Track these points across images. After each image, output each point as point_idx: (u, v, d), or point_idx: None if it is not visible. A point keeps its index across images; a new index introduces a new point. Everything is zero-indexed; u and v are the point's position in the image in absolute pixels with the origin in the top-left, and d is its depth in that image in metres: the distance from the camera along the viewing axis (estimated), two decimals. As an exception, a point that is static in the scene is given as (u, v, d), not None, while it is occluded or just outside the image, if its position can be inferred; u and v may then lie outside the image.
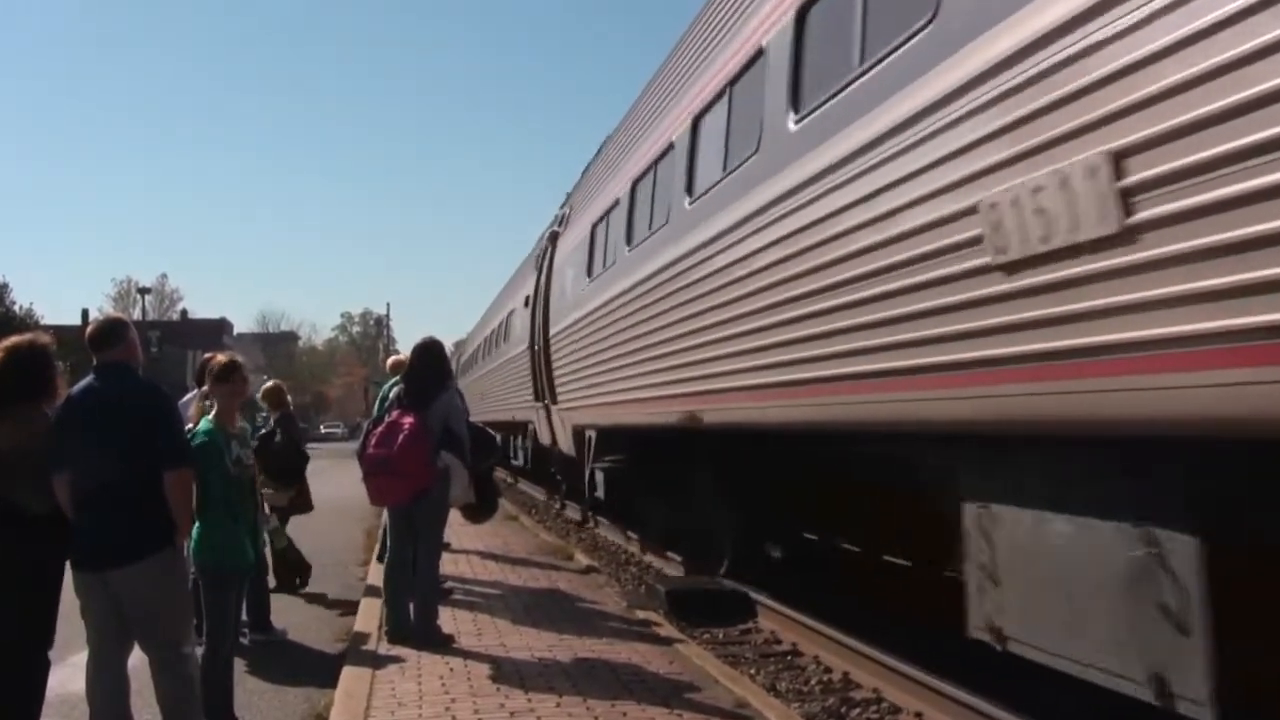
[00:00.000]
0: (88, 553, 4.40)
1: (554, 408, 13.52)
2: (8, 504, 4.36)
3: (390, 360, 10.19)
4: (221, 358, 5.59)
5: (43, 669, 4.54)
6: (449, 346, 28.64)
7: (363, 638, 6.81)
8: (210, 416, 5.23)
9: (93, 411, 4.41)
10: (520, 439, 19.60)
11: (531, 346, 15.18)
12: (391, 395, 7.29)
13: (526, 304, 16.34)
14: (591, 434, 11.41)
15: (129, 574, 4.34)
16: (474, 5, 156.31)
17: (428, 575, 6.85)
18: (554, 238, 14.58)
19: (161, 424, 4.45)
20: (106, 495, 4.33)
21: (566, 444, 13.12)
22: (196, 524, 4.94)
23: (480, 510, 7.45)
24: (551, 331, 13.30)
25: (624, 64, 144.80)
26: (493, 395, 22.47)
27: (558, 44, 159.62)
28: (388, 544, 7.78)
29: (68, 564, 4.53)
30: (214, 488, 5.00)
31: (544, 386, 14.07)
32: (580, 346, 11.37)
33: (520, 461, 20.47)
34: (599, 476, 11.14)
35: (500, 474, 24.23)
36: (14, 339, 4.67)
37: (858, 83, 4.89)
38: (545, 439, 15.07)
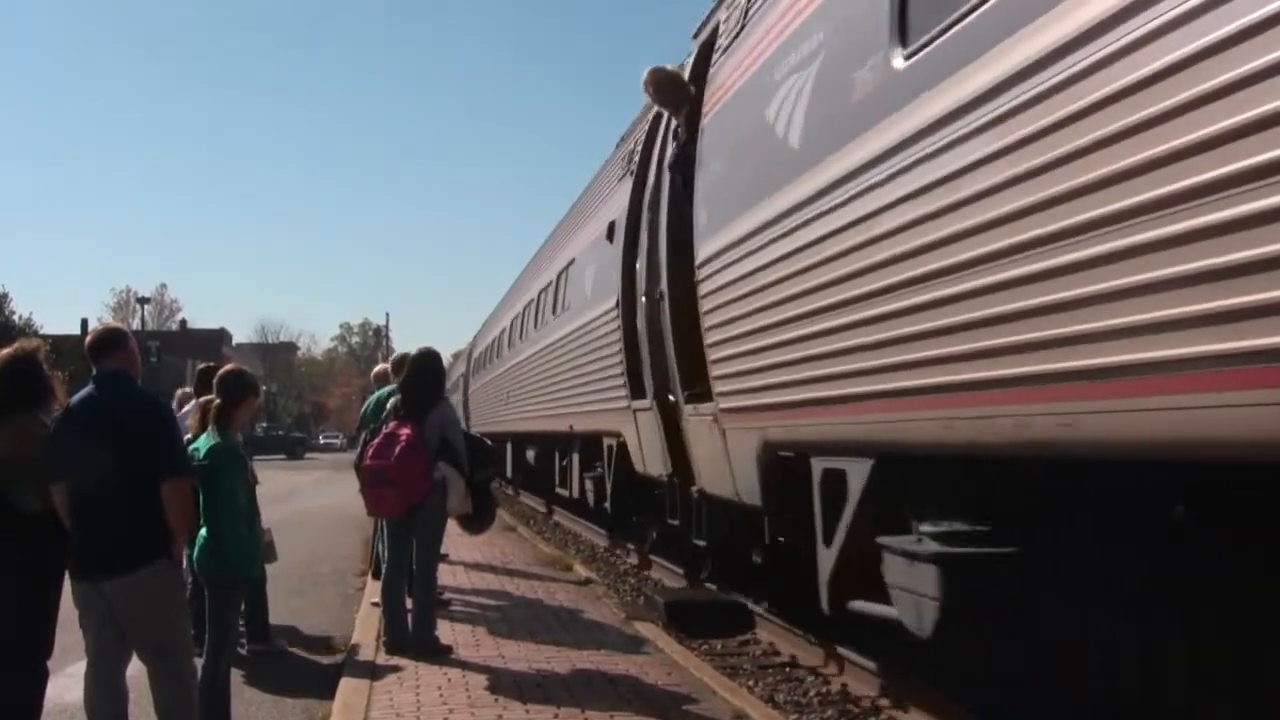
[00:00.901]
0: (84, 562, 4.40)
1: (692, 410, 7.06)
2: (6, 504, 4.37)
3: (375, 370, 10.08)
4: (242, 369, 5.59)
5: (41, 675, 4.54)
6: (447, 358, 27.27)
7: (360, 648, 6.80)
8: (218, 428, 5.22)
9: (90, 420, 4.42)
10: (577, 462, 12.18)
11: (625, 304, 8.76)
12: (389, 405, 7.29)
13: (610, 236, 9.49)
14: (855, 468, 4.77)
15: (125, 584, 4.34)
16: (474, 18, 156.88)
17: (424, 585, 6.84)
18: (673, 97, 7.49)
19: (160, 434, 4.46)
20: (103, 504, 4.33)
21: (731, 481, 6.46)
22: (204, 531, 4.94)
23: (477, 521, 7.44)
24: (701, 257, 6.53)
25: (626, 74, 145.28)
26: (525, 396, 15.49)
27: (559, 55, 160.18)
28: (380, 556, 7.77)
29: (66, 572, 4.54)
30: (238, 497, 5.00)
31: (656, 371, 7.83)
32: (866, 252, 4.37)
33: (576, 494, 12.75)
34: (928, 575, 4.05)
35: (532, 503, 20.49)
36: (6, 349, 4.68)
37: None
38: (653, 467, 8.35)
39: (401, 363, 9.49)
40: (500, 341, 20.45)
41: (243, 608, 7.29)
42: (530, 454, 16.96)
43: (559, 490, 14.36)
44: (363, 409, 9.28)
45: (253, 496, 5.36)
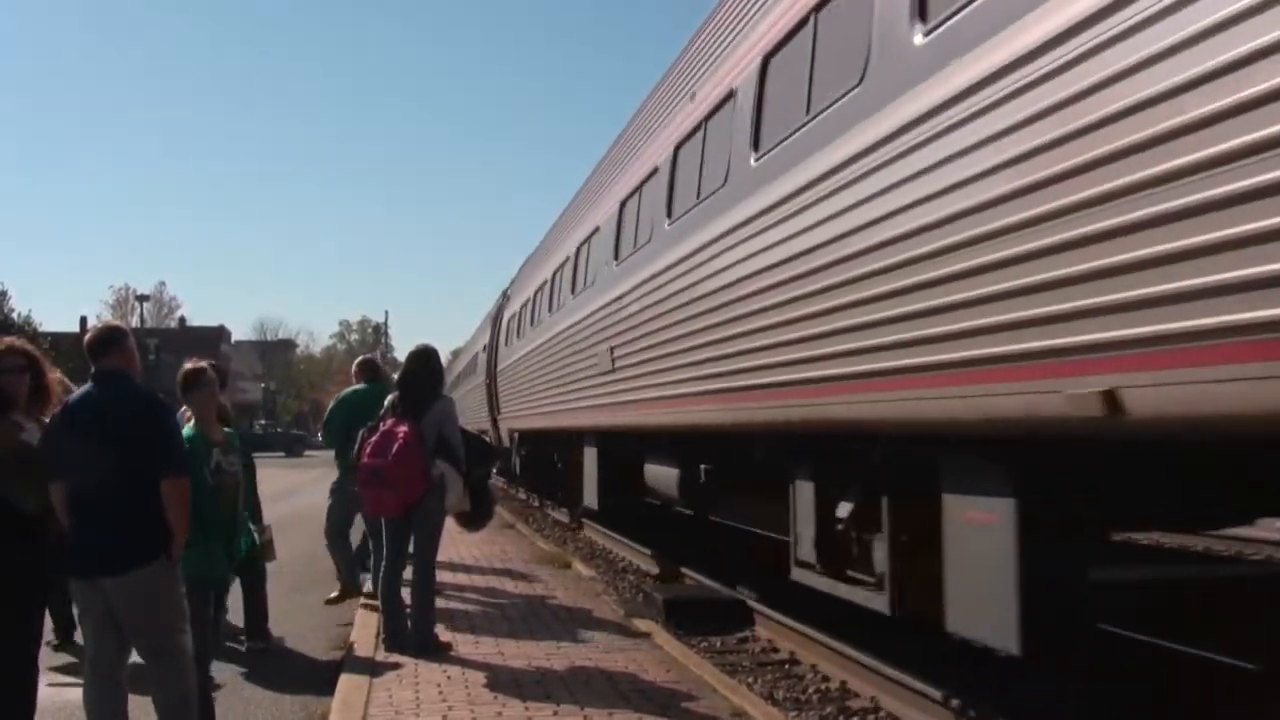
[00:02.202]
0: (83, 560, 4.40)
1: None
2: (5, 504, 4.38)
3: (356, 363, 10.08)
4: (190, 365, 5.60)
5: (35, 671, 4.55)
6: (445, 356, 26.04)
7: (359, 646, 6.81)
8: (190, 424, 5.23)
9: (89, 419, 4.42)
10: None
11: None
12: (387, 403, 7.29)
13: None
14: None
15: (124, 582, 4.34)
16: (473, 11, 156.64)
17: (423, 583, 6.84)
18: None
19: (159, 433, 4.46)
20: (102, 503, 4.33)
21: None
22: None
23: (475, 518, 7.44)
24: None
25: (624, 71, 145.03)
26: (675, 347, 7.47)
27: (557, 51, 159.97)
28: (377, 552, 7.75)
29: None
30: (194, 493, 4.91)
31: None
32: None
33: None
34: None
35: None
36: None
37: None
38: None
39: (366, 366, 9.63)
40: (586, 261, 11.36)
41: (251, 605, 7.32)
42: (670, 473, 8.47)
43: (802, 566, 6.03)
44: (330, 409, 9.34)
45: (211, 495, 5.18)
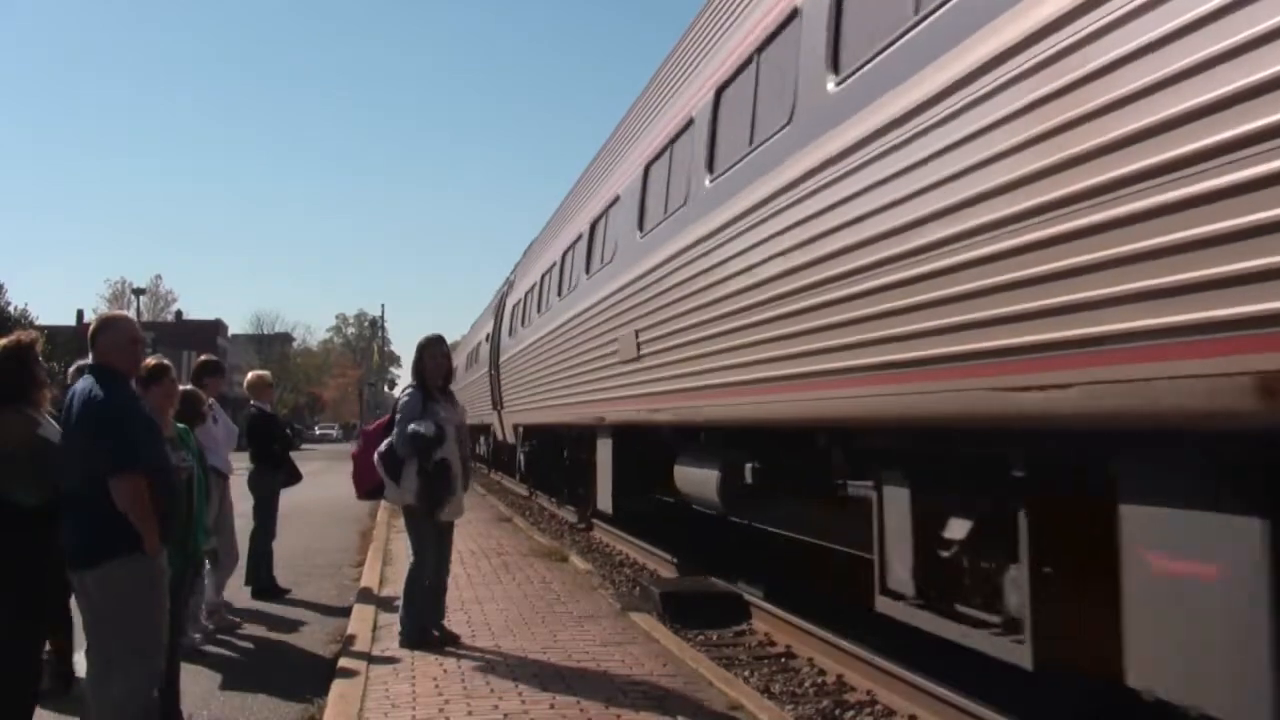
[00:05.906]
0: (67, 553, 4.38)
1: None
2: (4, 501, 4.38)
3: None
4: (150, 361, 5.58)
5: (38, 664, 4.54)
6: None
7: (356, 639, 6.81)
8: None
9: (69, 413, 4.41)
10: None
11: None
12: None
13: None
14: None
15: (90, 577, 4.27)
16: (472, 11, 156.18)
17: (409, 580, 6.82)
18: None
19: (103, 428, 4.26)
20: (77, 497, 4.31)
21: None
22: None
23: (423, 507, 7.04)
24: None
25: (623, 65, 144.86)
26: None
27: (555, 45, 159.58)
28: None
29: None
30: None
31: None
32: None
33: None
34: None
35: None
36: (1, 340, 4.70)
37: None
38: None
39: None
40: (604, 235, 10.72)
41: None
42: (708, 475, 7.33)
43: (891, 595, 4.98)
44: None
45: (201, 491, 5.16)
